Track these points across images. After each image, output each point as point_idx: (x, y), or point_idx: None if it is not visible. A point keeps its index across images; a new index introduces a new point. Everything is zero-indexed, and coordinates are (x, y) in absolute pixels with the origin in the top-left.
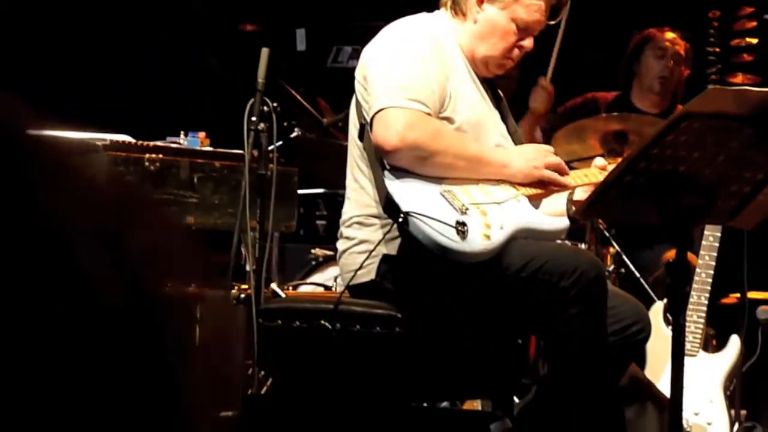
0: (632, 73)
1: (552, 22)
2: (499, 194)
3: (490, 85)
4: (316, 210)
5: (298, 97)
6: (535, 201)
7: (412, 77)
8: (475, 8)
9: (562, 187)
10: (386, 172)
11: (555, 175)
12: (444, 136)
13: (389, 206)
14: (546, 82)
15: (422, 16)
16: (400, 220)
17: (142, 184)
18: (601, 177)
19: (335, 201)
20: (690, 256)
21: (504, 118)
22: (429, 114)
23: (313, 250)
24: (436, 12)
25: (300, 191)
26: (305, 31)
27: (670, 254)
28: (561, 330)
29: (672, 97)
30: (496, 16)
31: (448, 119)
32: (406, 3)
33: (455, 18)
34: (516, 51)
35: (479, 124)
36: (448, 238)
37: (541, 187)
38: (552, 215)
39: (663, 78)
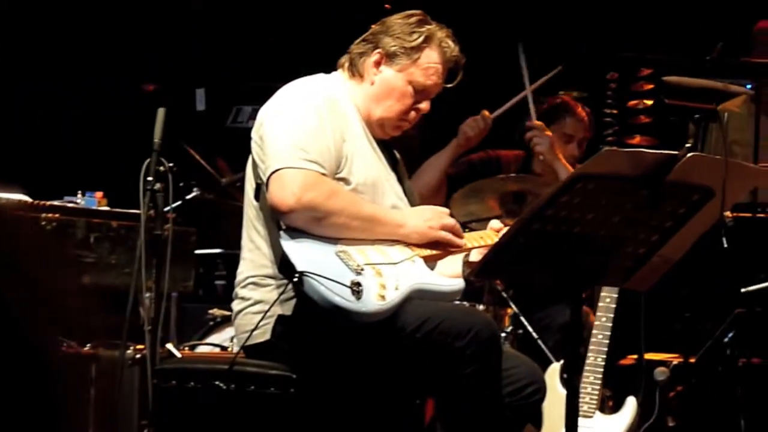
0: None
1: (449, 85)
2: (395, 255)
3: (386, 146)
4: (215, 270)
5: (197, 157)
6: (430, 262)
7: (308, 138)
8: (372, 70)
9: (457, 248)
10: (282, 232)
11: (450, 236)
12: (339, 197)
13: (284, 266)
14: (489, 116)
15: (319, 78)
16: (295, 279)
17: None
18: (496, 239)
19: (234, 261)
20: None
21: (400, 180)
22: (324, 175)
23: (211, 311)
24: (334, 73)
25: (199, 251)
26: (204, 91)
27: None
28: (455, 390)
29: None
30: (392, 78)
31: (344, 180)
32: (306, 64)
33: (352, 79)
34: (412, 113)
35: (375, 185)
36: (342, 298)
37: (437, 248)
38: (447, 276)
39: (570, 162)
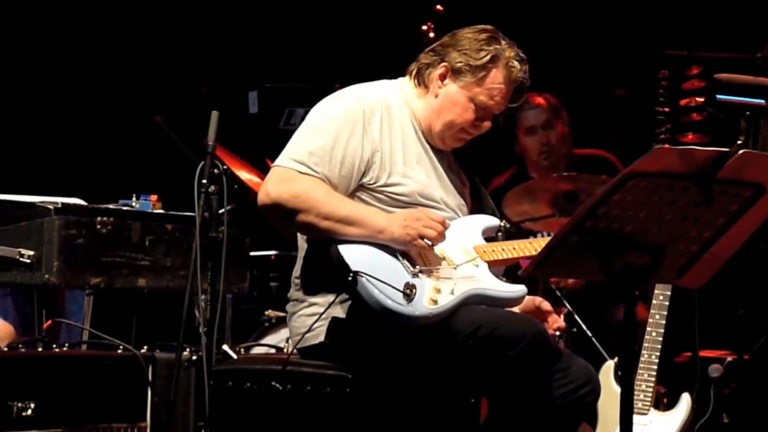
0: (518, 153)
1: (513, 105)
2: (458, 257)
3: (456, 152)
4: (270, 271)
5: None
6: (496, 267)
7: (310, 141)
8: (437, 83)
9: (521, 257)
10: None
11: (425, 244)
12: (310, 196)
13: (338, 266)
14: None
15: (376, 84)
16: (349, 279)
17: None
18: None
19: (288, 262)
20: (641, 311)
21: (465, 190)
22: (310, 175)
23: (266, 312)
24: (400, 79)
25: (253, 253)
26: (257, 94)
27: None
28: (507, 394)
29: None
30: (455, 94)
31: (369, 188)
32: (358, 66)
33: (417, 88)
34: (473, 129)
35: (421, 193)
36: (393, 300)
37: (501, 254)
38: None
39: (545, 151)
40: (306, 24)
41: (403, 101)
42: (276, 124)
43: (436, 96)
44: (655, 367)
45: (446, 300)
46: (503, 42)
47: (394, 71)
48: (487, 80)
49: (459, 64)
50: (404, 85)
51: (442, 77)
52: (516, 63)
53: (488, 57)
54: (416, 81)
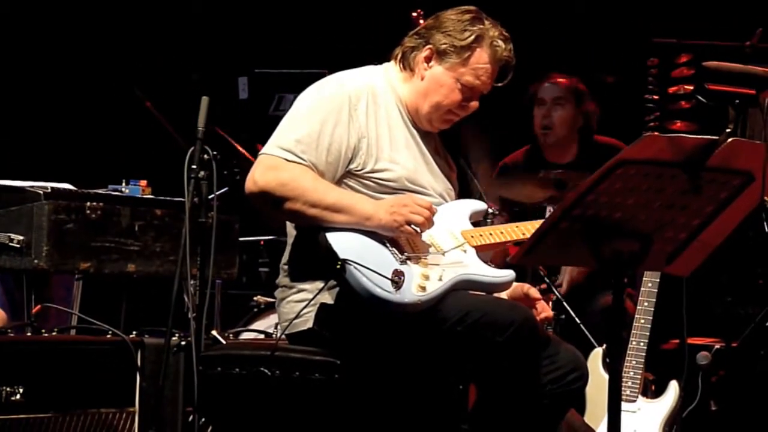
0: (534, 133)
1: (500, 84)
2: (445, 243)
3: (444, 135)
4: (259, 257)
5: (238, 147)
6: (483, 252)
7: (296, 128)
8: (423, 65)
9: (505, 241)
10: None
11: (413, 230)
12: (297, 184)
13: (327, 253)
14: None
15: (361, 70)
16: (338, 267)
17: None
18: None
19: (277, 248)
20: (628, 303)
21: (451, 173)
22: (297, 163)
23: (255, 298)
24: (385, 64)
25: (243, 239)
26: (247, 80)
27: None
28: (495, 381)
29: (580, 144)
30: (441, 75)
31: (356, 175)
32: (347, 52)
33: (403, 72)
34: (461, 110)
35: (409, 178)
36: (382, 288)
37: (489, 239)
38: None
39: (545, 127)
40: (296, 10)
41: (389, 86)
42: (266, 110)
43: (422, 78)
44: (644, 354)
45: (435, 287)
46: (487, 22)
47: (383, 57)
48: (472, 60)
49: (444, 46)
50: (389, 69)
51: (428, 59)
52: (500, 42)
53: (472, 37)
54: (401, 65)
